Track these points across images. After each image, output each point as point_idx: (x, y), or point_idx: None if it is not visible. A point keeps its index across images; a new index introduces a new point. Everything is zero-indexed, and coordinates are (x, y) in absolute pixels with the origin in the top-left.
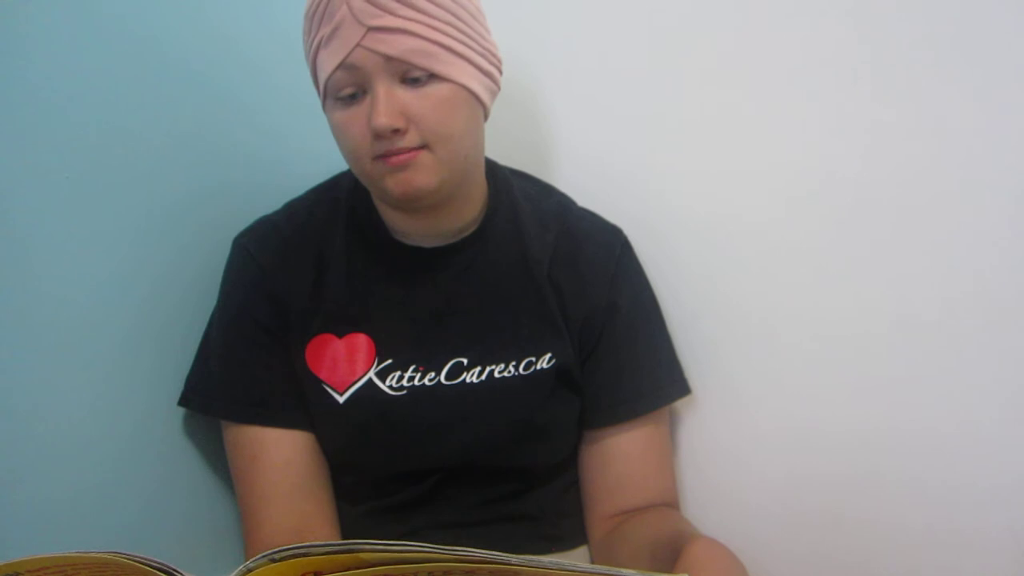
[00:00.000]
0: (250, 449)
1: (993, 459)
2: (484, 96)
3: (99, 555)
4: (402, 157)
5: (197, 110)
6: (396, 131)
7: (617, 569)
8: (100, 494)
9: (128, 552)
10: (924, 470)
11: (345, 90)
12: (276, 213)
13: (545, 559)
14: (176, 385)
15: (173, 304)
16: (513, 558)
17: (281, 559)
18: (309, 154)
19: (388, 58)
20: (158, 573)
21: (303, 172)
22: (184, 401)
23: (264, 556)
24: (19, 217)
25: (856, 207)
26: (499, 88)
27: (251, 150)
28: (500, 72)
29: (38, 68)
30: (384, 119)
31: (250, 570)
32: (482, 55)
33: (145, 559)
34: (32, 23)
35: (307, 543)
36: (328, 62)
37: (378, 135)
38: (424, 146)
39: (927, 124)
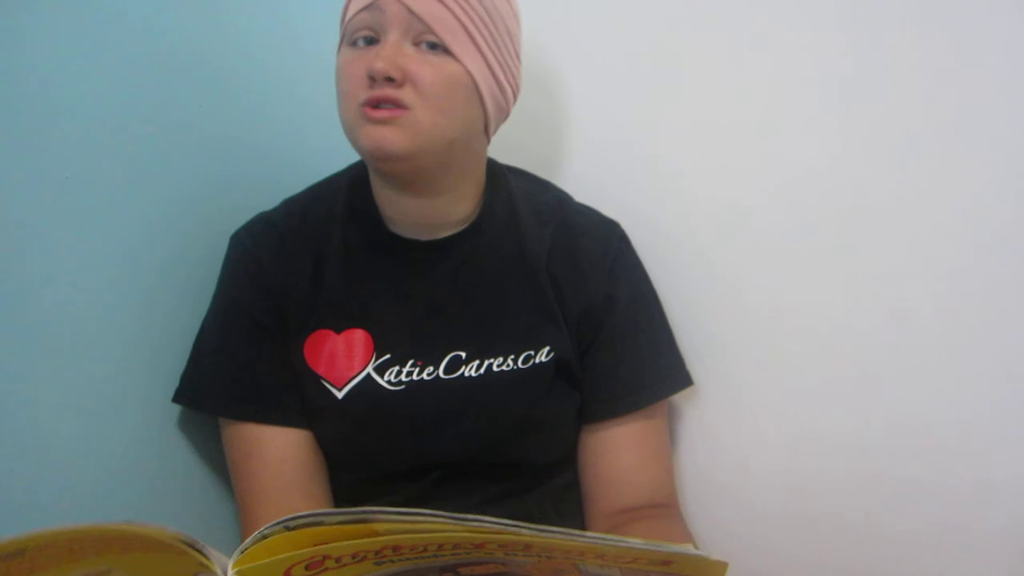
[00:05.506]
0: (246, 446)
1: (994, 458)
2: (487, 99)
3: (109, 527)
4: (385, 112)
5: (197, 106)
6: (391, 80)
7: (622, 538)
8: (97, 492)
9: (141, 521)
10: (924, 468)
11: (361, 32)
12: (274, 210)
13: (555, 529)
14: (173, 384)
15: (171, 301)
16: (524, 528)
17: (295, 527)
18: (312, 150)
19: (412, 13)
20: (175, 541)
21: (303, 169)
22: (178, 397)
23: (278, 523)
24: (17, 215)
25: (856, 203)
26: (508, 111)
27: (251, 147)
28: (515, 98)
29: (37, 66)
30: (384, 64)
31: (265, 536)
32: (500, 65)
33: (161, 528)
34: (31, 19)
35: (320, 511)
36: (359, 2)
37: (373, 77)
38: (409, 108)
39: (927, 121)
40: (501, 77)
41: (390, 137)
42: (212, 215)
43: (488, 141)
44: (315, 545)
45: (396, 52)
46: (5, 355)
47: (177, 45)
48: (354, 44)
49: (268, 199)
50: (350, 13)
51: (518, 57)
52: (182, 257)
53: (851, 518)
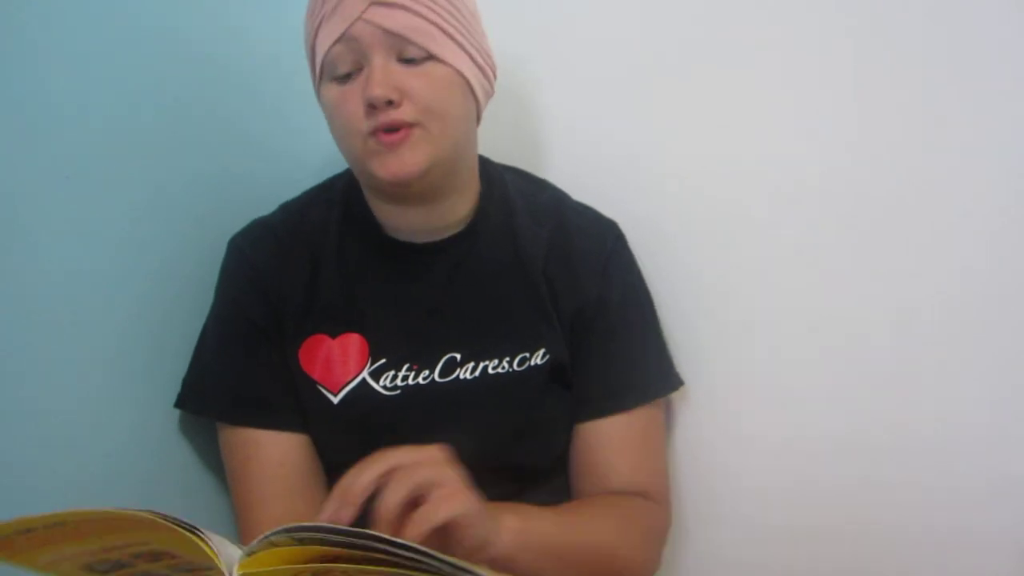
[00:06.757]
0: (244, 450)
1: (994, 458)
2: (477, 89)
3: (136, 513)
4: (395, 136)
5: (198, 106)
6: (390, 103)
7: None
8: (96, 496)
9: (162, 512)
10: (922, 471)
11: (342, 66)
12: (271, 215)
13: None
14: (172, 386)
15: (168, 305)
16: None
17: (303, 540)
18: (315, 150)
19: (387, 32)
20: (186, 533)
21: (305, 169)
22: (180, 403)
23: (287, 532)
24: (17, 215)
25: (854, 204)
26: (492, 91)
27: (253, 147)
28: (494, 75)
29: (37, 66)
30: (379, 89)
31: (274, 544)
32: (477, 51)
33: (176, 519)
34: (31, 19)
35: (327, 527)
36: (328, 37)
37: (372, 104)
38: (416, 124)
39: (926, 121)
40: (481, 62)
41: (407, 161)
42: (212, 215)
43: (478, 124)
44: (322, 560)
45: (386, 74)
46: (3, 355)
47: (178, 45)
48: (338, 78)
49: (269, 199)
50: (322, 47)
51: (484, 33)
52: (181, 257)
53: (851, 519)
